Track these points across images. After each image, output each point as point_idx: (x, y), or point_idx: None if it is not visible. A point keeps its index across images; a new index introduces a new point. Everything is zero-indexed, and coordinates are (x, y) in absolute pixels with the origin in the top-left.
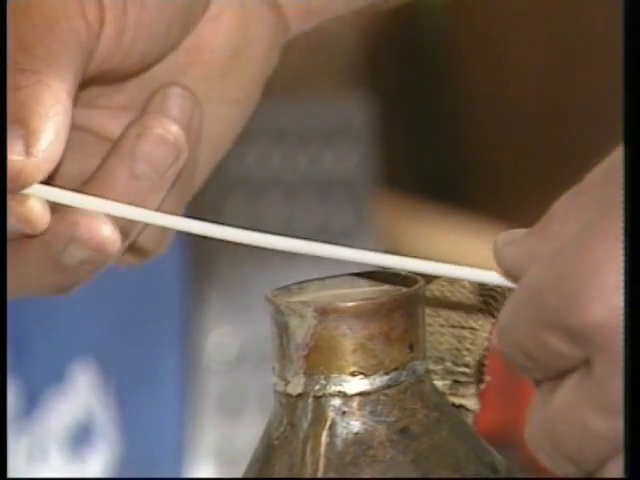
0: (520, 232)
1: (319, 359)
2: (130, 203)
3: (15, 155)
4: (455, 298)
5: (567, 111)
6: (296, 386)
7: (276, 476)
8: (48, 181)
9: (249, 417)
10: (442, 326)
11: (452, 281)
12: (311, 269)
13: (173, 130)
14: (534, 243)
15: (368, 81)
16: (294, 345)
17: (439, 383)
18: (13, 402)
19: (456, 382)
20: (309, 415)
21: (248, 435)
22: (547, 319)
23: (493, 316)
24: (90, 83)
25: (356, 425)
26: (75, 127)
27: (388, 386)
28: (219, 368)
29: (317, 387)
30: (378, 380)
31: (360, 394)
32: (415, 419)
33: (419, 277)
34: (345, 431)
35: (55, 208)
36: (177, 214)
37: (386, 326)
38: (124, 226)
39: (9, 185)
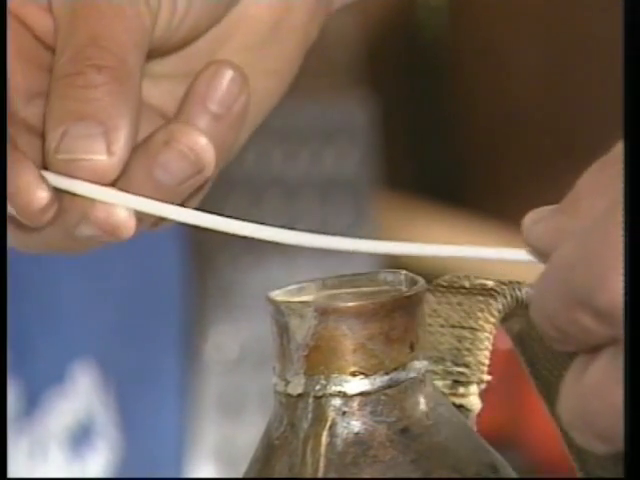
0: (548, 209)
1: (319, 359)
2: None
3: (97, 154)
4: (455, 298)
5: (567, 111)
6: (296, 386)
7: (276, 476)
8: None
9: (249, 417)
10: (442, 326)
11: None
12: (311, 269)
13: (199, 145)
14: (562, 220)
15: (368, 81)
16: (294, 345)
17: (439, 383)
18: (13, 402)
19: (456, 382)
20: (309, 415)
21: (248, 435)
22: (576, 297)
23: (493, 316)
24: None
25: (356, 425)
26: None
27: (388, 386)
28: (219, 368)
29: (317, 387)
30: (378, 380)
31: (360, 394)
32: (415, 419)
33: (419, 277)
34: (345, 431)
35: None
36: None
37: (386, 326)
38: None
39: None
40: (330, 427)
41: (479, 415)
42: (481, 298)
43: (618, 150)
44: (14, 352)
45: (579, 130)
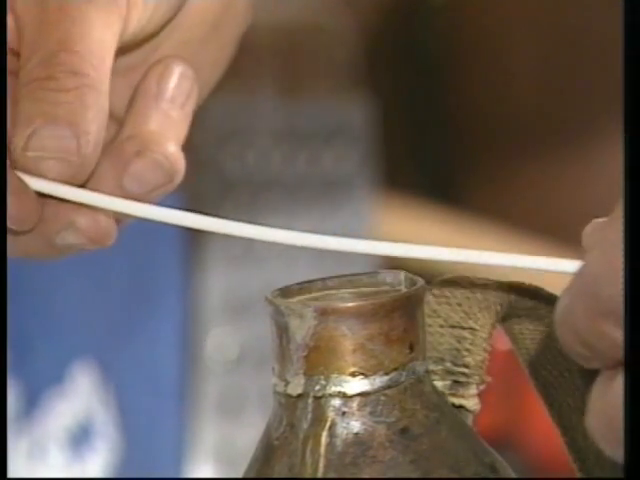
0: (602, 221)
1: (319, 359)
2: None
3: (69, 154)
4: (455, 298)
5: (568, 111)
6: (296, 386)
7: (276, 476)
8: None
9: (249, 417)
10: (442, 326)
11: (455, 282)
12: (311, 269)
13: (171, 153)
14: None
15: (368, 81)
16: (294, 345)
17: (439, 383)
18: (13, 402)
19: (456, 382)
20: (309, 415)
21: (248, 435)
22: (604, 307)
23: (493, 316)
24: None
25: (356, 425)
26: None
27: (388, 386)
28: (219, 368)
29: (317, 387)
30: (378, 380)
31: (360, 394)
32: (415, 419)
33: (418, 278)
34: (345, 431)
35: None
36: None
37: (386, 326)
38: (118, 215)
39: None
40: (330, 427)
41: (478, 415)
42: (481, 298)
43: None
44: (14, 352)
45: (579, 130)
